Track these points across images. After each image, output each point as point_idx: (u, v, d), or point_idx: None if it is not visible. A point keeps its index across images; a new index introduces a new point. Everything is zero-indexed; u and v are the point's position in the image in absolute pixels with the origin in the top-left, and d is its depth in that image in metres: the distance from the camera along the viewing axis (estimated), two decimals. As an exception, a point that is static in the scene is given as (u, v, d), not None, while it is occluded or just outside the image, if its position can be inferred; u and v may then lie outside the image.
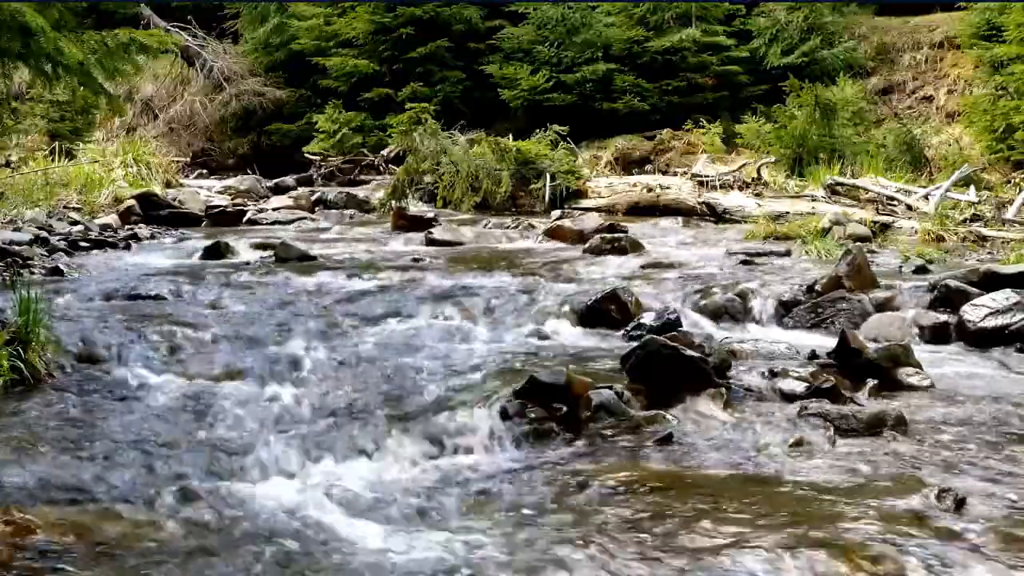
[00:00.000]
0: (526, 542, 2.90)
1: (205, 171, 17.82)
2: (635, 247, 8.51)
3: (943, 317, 5.51)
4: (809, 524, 2.94)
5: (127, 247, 8.80)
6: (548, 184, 12.13)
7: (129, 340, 4.97)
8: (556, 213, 11.13)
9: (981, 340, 5.22)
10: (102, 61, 6.29)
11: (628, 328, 5.48)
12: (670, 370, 4.19)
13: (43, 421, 3.84)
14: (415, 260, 8.03)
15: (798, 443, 3.70)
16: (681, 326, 5.29)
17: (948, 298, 5.68)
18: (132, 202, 10.81)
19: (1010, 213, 9.40)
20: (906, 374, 4.49)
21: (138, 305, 5.94)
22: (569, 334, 5.55)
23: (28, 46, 5.53)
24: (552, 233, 9.52)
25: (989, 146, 12.71)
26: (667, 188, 11.96)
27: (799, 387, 4.23)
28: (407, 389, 4.36)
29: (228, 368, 4.65)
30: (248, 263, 7.93)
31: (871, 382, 4.41)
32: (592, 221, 9.71)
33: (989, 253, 8.22)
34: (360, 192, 13.80)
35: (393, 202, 11.87)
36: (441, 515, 3.16)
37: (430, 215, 10.58)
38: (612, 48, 16.72)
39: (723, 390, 4.17)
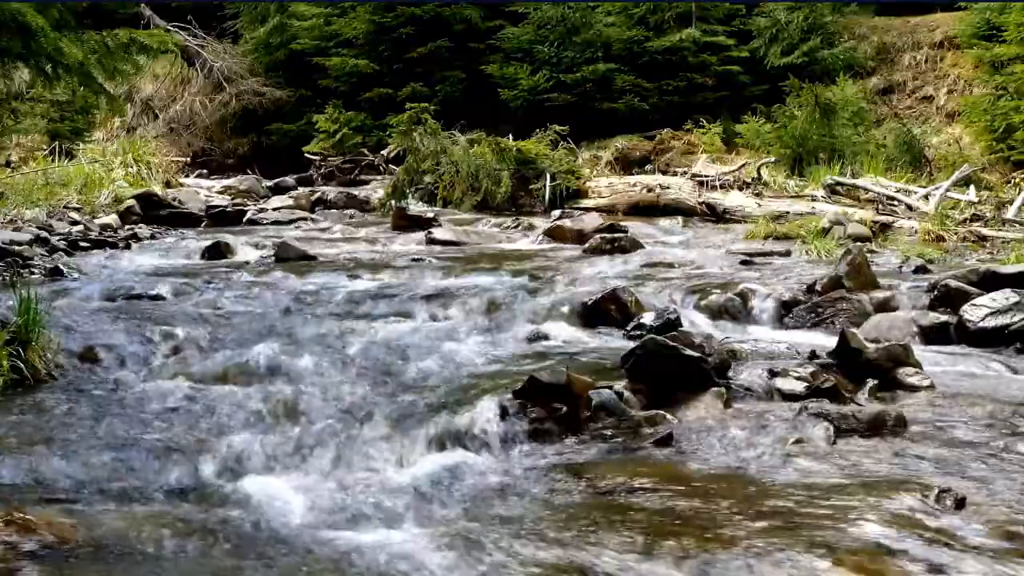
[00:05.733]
0: (526, 542, 2.90)
1: (205, 171, 17.82)
2: (635, 247, 8.51)
3: (943, 317, 5.50)
4: (809, 524, 2.94)
5: (127, 247, 8.80)
6: (548, 184, 12.13)
7: (129, 340, 4.97)
8: (556, 213, 11.13)
9: (981, 340, 5.22)
10: (102, 61, 6.29)
11: (628, 328, 5.48)
12: (670, 370, 4.19)
13: (43, 421, 3.84)
14: (415, 260, 8.03)
15: (798, 443, 3.70)
16: (681, 326, 5.29)
17: (948, 298, 5.68)
18: (132, 202, 10.82)
19: (1010, 213, 9.40)
20: (906, 374, 4.48)
21: (138, 305, 5.93)
22: (569, 334, 5.54)
23: (28, 46, 5.54)
24: (552, 233, 9.52)
25: (989, 146, 12.72)
26: (667, 188, 11.96)
27: (799, 387, 4.22)
28: (407, 389, 4.36)
29: (228, 368, 4.65)
30: (248, 263, 7.94)
31: (871, 382, 4.41)
32: (592, 221, 9.71)
33: (989, 253, 8.22)
34: (360, 192, 13.81)
35: (393, 202, 11.87)
36: (440, 515, 3.16)
37: (430, 215, 10.58)
38: (612, 48, 16.74)
39: (723, 390, 4.16)
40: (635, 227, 9.83)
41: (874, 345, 4.69)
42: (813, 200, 10.82)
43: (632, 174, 13.89)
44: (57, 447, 3.54)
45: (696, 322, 5.72)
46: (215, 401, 4.16)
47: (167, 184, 12.96)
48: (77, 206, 10.48)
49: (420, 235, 9.50)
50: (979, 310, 5.32)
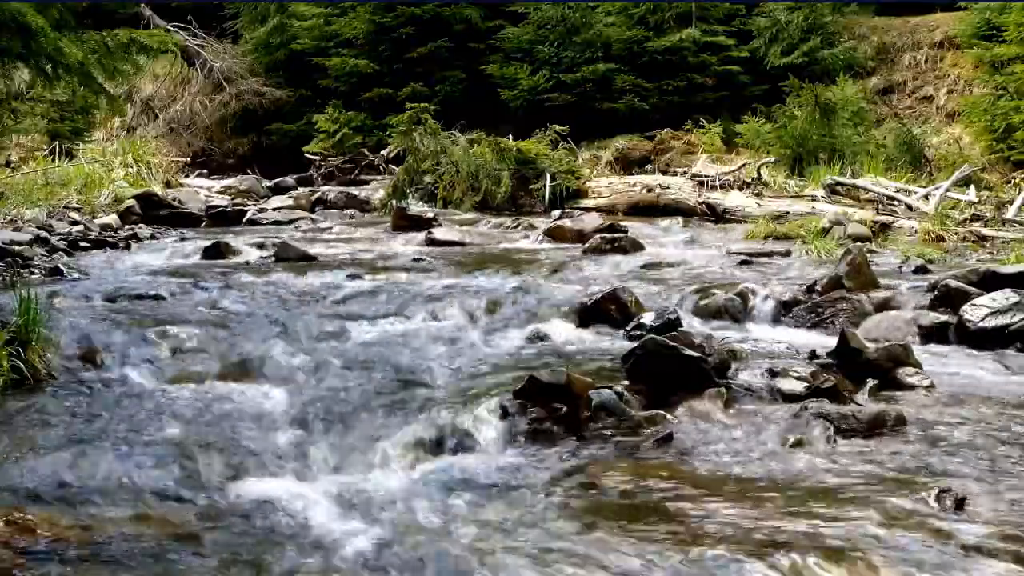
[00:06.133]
0: (525, 542, 2.90)
1: (205, 171, 17.82)
2: (635, 247, 8.51)
3: (943, 317, 5.50)
4: (809, 524, 2.94)
5: (127, 247, 8.80)
6: (548, 184, 12.13)
7: (129, 340, 4.96)
8: (556, 213, 11.13)
9: (981, 340, 5.21)
10: (102, 61, 6.30)
11: (628, 328, 5.48)
12: (670, 370, 4.19)
13: (43, 421, 3.84)
14: (415, 260, 8.03)
15: (798, 443, 3.70)
16: (681, 326, 5.28)
17: (948, 298, 5.67)
18: (132, 202, 10.83)
19: (1010, 213, 9.40)
20: (906, 374, 4.49)
21: (138, 305, 5.93)
22: (569, 334, 5.54)
23: (28, 46, 5.54)
24: (552, 233, 9.52)
25: (989, 146, 12.72)
26: (667, 188, 11.96)
27: (799, 387, 4.22)
28: (407, 389, 4.35)
29: (227, 368, 4.65)
30: (248, 263, 7.94)
31: (871, 382, 4.41)
32: (592, 221, 9.71)
33: (989, 253, 8.22)
34: (360, 192, 13.81)
35: (393, 202, 11.89)
36: (440, 515, 3.16)
37: (430, 215, 10.58)
38: (612, 48, 16.74)
39: (723, 390, 4.17)
40: (635, 227, 9.82)
41: (874, 345, 4.69)
42: (813, 200, 10.82)
43: (632, 174, 13.88)
44: (57, 447, 3.54)
45: (696, 322, 5.72)
46: (215, 401, 4.16)
47: (167, 184, 12.96)
48: (77, 206, 10.48)
49: (420, 235, 9.50)
50: (979, 310, 5.32)
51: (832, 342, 4.76)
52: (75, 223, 9.52)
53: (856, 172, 11.94)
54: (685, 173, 12.87)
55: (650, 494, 3.26)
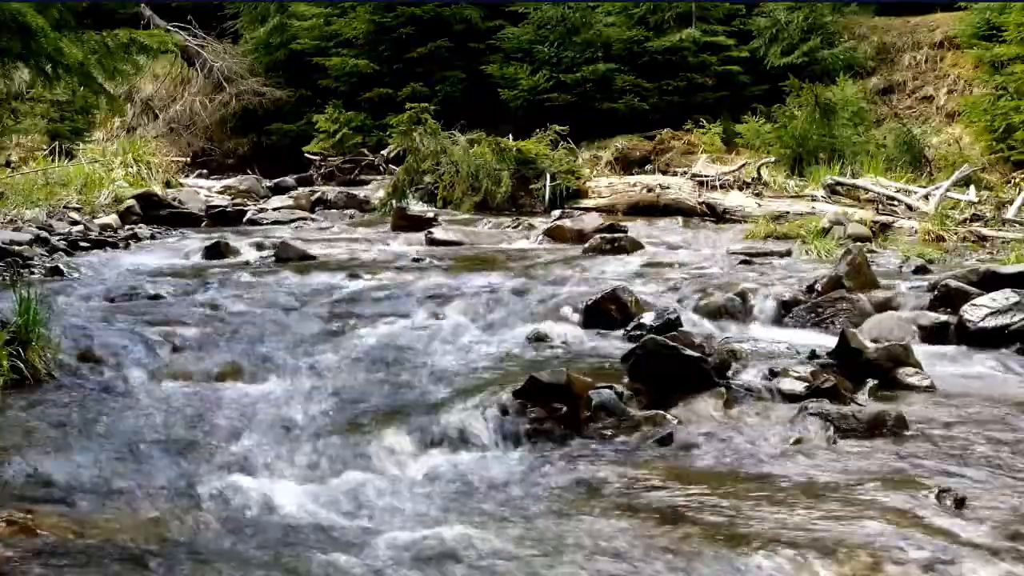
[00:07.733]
0: (525, 542, 2.90)
1: (205, 171, 17.80)
2: (635, 247, 8.51)
3: (943, 317, 5.50)
4: (809, 523, 2.94)
5: (127, 247, 8.81)
6: (548, 184, 12.12)
7: (129, 340, 4.97)
8: (556, 213, 11.12)
9: (981, 340, 5.22)
10: (102, 61, 6.30)
11: (628, 328, 5.48)
12: (670, 370, 4.19)
13: (43, 421, 3.84)
14: (415, 260, 8.03)
15: (798, 443, 3.70)
16: (681, 326, 5.29)
17: (948, 298, 5.68)
18: (132, 202, 10.82)
19: (1010, 213, 9.40)
20: (906, 374, 4.49)
21: (138, 305, 5.94)
22: (569, 334, 5.54)
23: (28, 46, 5.55)
24: (552, 233, 9.52)
25: (989, 146, 12.72)
26: (667, 188, 11.95)
27: (799, 387, 4.23)
28: (406, 389, 4.36)
29: (227, 368, 4.65)
30: (248, 263, 7.93)
31: (871, 382, 4.41)
32: (592, 221, 9.71)
33: (989, 253, 8.22)
34: (360, 192, 13.81)
35: (393, 202, 11.89)
36: (439, 515, 3.16)
37: (430, 215, 10.58)
38: (612, 48, 16.73)
39: (723, 390, 4.17)
40: (635, 227, 9.83)
41: (874, 345, 4.69)
42: (813, 200, 10.81)
43: (632, 174, 13.87)
44: (57, 447, 3.55)
45: (696, 322, 5.72)
46: (215, 401, 4.16)
47: (167, 184, 12.95)
48: (77, 206, 10.47)
49: (420, 235, 9.50)
50: (979, 310, 5.32)
51: (832, 342, 4.77)
52: (75, 223, 9.52)
53: (856, 172, 11.93)
54: (685, 173, 12.85)
55: (650, 494, 3.26)
